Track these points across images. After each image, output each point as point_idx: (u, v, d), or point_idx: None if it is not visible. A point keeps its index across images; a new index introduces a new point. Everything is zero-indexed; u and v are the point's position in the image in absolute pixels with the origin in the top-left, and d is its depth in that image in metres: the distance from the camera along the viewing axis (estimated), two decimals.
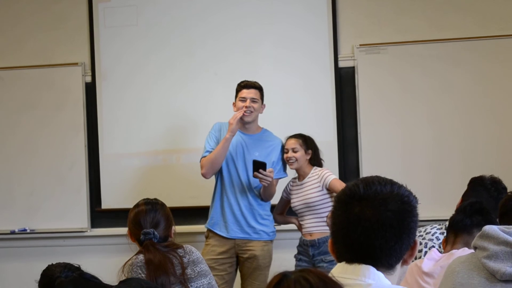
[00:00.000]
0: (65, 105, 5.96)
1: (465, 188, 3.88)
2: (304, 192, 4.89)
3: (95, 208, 5.93)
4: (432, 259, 2.98)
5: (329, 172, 4.89)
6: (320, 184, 4.83)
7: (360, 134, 5.65)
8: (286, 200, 5.11)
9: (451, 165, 5.54)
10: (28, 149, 5.99)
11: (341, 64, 5.73)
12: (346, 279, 1.77)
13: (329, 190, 4.84)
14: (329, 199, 4.86)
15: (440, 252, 3.09)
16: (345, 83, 5.72)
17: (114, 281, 2.73)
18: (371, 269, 1.78)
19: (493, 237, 2.38)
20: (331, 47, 5.70)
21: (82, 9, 6.01)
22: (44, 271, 2.60)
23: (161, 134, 5.85)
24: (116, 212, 5.70)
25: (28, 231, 5.94)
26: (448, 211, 3.22)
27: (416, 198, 1.86)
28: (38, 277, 2.62)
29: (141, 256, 3.28)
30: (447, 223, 3.21)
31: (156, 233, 3.33)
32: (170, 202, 3.84)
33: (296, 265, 4.89)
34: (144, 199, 3.52)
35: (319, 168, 4.93)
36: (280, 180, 5.04)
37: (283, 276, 1.47)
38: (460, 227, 3.03)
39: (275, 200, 5.12)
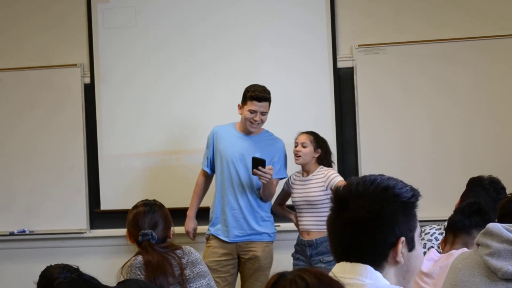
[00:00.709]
0: (64, 106, 5.96)
1: (464, 188, 3.88)
2: (307, 189, 4.88)
3: (94, 209, 5.93)
4: (431, 259, 2.98)
5: (336, 173, 4.89)
6: (325, 184, 4.83)
7: (359, 135, 5.65)
8: (286, 193, 5.11)
9: (451, 165, 5.54)
10: (27, 150, 5.99)
11: (340, 64, 5.73)
12: (344, 278, 1.78)
13: None
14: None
15: (439, 252, 3.09)
16: (344, 83, 5.72)
17: (113, 282, 2.73)
18: (368, 268, 1.81)
19: (497, 234, 2.39)
20: (329, 47, 5.70)
21: (81, 10, 6.01)
22: (42, 272, 2.60)
23: (160, 135, 5.85)
24: (115, 213, 5.70)
25: (27, 232, 5.94)
26: (447, 211, 3.22)
27: (412, 195, 1.87)
28: (37, 279, 2.62)
29: (139, 257, 3.28)
30: (445, 223, 3.21)
31: (154, 234, 3.33)
32: (169, 203, 3.84)
33: (294, 264, 4.90)
34: (142, 200, 3.53)
35: (326, 168, 4.93)
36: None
37: (280, 276, 1.49)
38: (459, 228, 3.04)
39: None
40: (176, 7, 5.89)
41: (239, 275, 5.04)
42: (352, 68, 5.71)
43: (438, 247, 3.41)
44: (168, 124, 5.85)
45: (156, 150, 5.85)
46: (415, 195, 1.88)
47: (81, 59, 6.00)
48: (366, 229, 1.83)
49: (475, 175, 3.87)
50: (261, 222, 4.94)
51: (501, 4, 5.63)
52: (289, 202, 5.15)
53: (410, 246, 1.86)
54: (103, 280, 2.57)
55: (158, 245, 3.32)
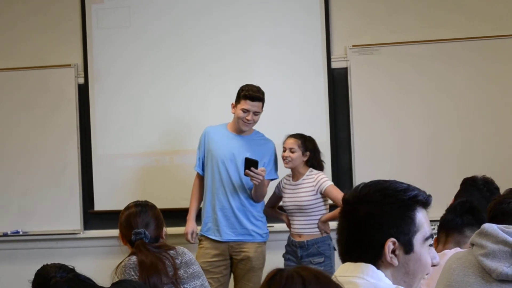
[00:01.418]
0: (58, 107, 5.96)
1: (459, 188, 3.89)
2: (297, 193, 4.90)
3: (88, 210, 5.92)
4: None
5: (325, 177, 4.90)
6: (315, 188, 4.84)
7: (353, 135, 5.66)
8: (277, 196, 5.13)
9: (446, 165, 5.55)
10: (20, 151, 5.98)
11: (334, 65, 5.74)
12: (346, 277, 1.83)
13: (324, 195, 4.85)
14: (322, 203, 4.88)
15: None
16: (338, 84, 5.73)
17: (107, 283, 2.73)
18: (370, 268, 1.84)
19: (492, 235, 2.38)
20: (324, 48, 5.71)
21: (75, 11, 6.01)
22: (38, 270, 2.61)
23: (154, 135, 5.85)
24: (109, 214, 5.69)
25: (21, 233, 5.93)
26: (442, 212, 3.22)
27: (409, 198, 1.89)
28: (31, 279, 2.62)
29: (133, 258, 3.28)
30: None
31: (147, 233, 3.34)
32: (163, 204, 3.85)
33: (284, 265, 4.90)
34: (134, 202, 3.54)
35: (315, 172, 4.93)
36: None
37: (277, 271, 1.51)
38: (451, 227, 3.04)
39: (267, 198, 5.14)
40: (170, 8, 5.89)
41: (232, 276, 5.04)
42: (346, 68, 5.72)
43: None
44: (162, 124, 5.85)
45: (150, 151, 5.85)
46: (415, 199, 1.89)
47: (75, 59, 6.00)
48: (360, 229, 1.88)
49: (471, 175, 3.88)
50: (254, 221, 4.94)
51: (496, 4, 5.64)
52: (281, 203, 5.15)
53: (407, 248, 1.86)
54: (98, 281, 2.57)
55: (151, 245, 3.33)
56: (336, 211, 4.76)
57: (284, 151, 4.93)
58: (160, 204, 3.59)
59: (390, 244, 1.85)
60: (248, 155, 4.81)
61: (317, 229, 4.86)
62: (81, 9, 5.98)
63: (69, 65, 5.97)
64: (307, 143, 4.94)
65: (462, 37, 5.59)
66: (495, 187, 3.75)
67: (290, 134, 4.98)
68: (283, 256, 4.99)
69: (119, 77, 5.93)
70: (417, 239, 1.88)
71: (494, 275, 2.33)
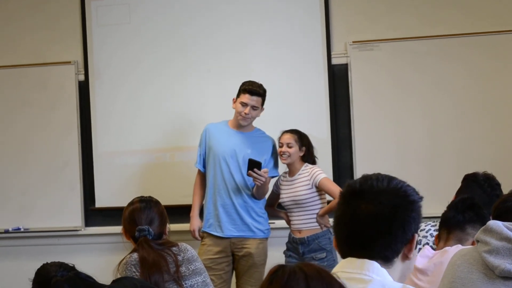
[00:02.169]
0: (58, 104, 5.95)
1: (459, 185, 3.89)
2: (293, 189, 4.91)
3: (89, 206, 5.92)
4: (425, 256, 2.98)
5: (319, 170, 4.91)
6: (310, 182, 4.85)
7: (354, 132, 5.65)
8: (276, 194, 5.13)
9: (446, 161, 5.55)
10: (21, 148, 5.98)
11: (334, 61, 5.74)
12: (350, 273, 1.81)
13: (319, 188, 4.86)
14: (318, 197, 4.88)
15: (434, 249, 3.10)
16: (338, 80, 5.72)
17: (108, 280, 2.73)
18: (375, 264, 1.82)
19: (496, 232, 2.39)
20: (324, 44, 5.70)
21: (75, 8, 6.00)
22: (38, 269, 2.61)
23: (155, 132, 5.85)
24: (110, 210, 5.69)
25: (22, 230, 5.93)
26: (443, 208, 3.22)
27: (418, 194, 1.90)
28: (32, 276, 2.62)
29: (135, 255, 3.28)
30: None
31: (151, 230, 3.34)
32: (164, 201, 3.83)
33: (286, 262, 4.90)
34: (138, 197, 3.53)
35: (310, 166, 4.94)
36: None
37: (280, 267, 1.51)
38: (453, 224, 3.04)
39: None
40: (170, 5, 5.89)
41: (234, 272, 5.05)
42: (346, 64, 5.71)
43: (434, 244, 3.42)
44: (162, 121, 5.85)
45: (151, 147, 5.85)
46: (419, 195, 1.91)
47: (75, 56, 5.99)
48: (387, 225, 1.84)
49: (470, 171, 3.88)
50: (256, 217, 4.95)
51: (494, 1, 5.64)
52: (280, 200, 5.15)
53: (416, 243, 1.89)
54: (99, 278, 2.57)
55: (154, 242, 3.32)
56: (333, 203, 4.77)
57: (281, 146, 4.93)
58: (161, 201, 3.59)
59: (415, 239, 1.87)
60: (249, 152, 4.83)
61: (316, 224, 4.86)
62: (81, 6, 5.97)
63: (69, 62, 5.97)
64: (302, 138, 4.96)
65: (462, 33, 5.59)
66: (496, 183, 3.75)
67: (285, 130, 4.99)
68: (284, 253, 5.00)
69: (119, 74, 5.92)
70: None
71: (497, 272, 2.34)
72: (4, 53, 6.08)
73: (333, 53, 5.74)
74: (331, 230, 4.82)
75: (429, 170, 5.55)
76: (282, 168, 5.09)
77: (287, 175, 5.02)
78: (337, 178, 5.31)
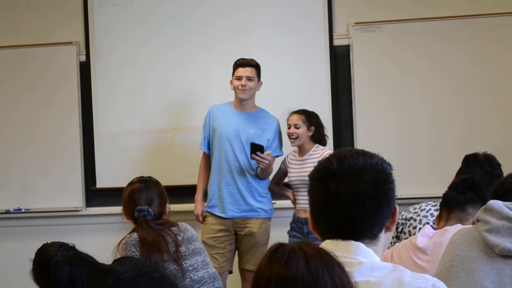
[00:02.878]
0: (59, 84, 5.94)
1: (460, 165, 3.89)
2: (303, 169, 4.88)
3: (90, 187, 5.92)
4: (426, 235, 2.99)
5: (331, 153, 4.89)
6: None
7: (355, 112, 5.64)
8: (283, 172, 5.12)
9: (447, 142, 5.55)
10: (22, 128, 5.97)
11: (336, 42, 5.72)
12: (337, 256, 1.76)
13: None
14: None
15: (434, 228, 3.10)
16: (340, 61, 5.71)
17: (109, 260, 2.74)
18: (361, 246, 1.77)
19: (496, 211, 2.41)
20: (326, 25, 5.68)
21: None
22: (39, 250, 2.62)
23: (156, 112, 5.84)
24: (111, 191, 5.69)
25: (23, 210, 5.94)
26: (444, 188, 3.22)
27: (390, 164, 1.85)
28: (32, 256, 2.63)
29: (135, 235, 3.29)
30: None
31: (150, 210, 3.34)
32: (165, 181, 3.84)
33: (289, 242, 4.90)
34: (138, 177, 3.53)
35: (322, 147, 4.94)
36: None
37: (279, 245, 1.50)
38: (453, 204, 3.04)
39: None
40: None
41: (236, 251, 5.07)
42: (348, 46, 5.70)
43: (434, 223, 3.42)
44: (164, 101, 5.84)
45: (152, 128, 5.84)
46: (390, 164, 1.86)
47: (77, 36, 5.97)
48: (373, 203, 1.78)
49: (472, 151, 3.88)
50: (259, 198, 4.97)
51: None
52: (285, 180, 5.15)
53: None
54: (99, 258, 2.58)
55: (153, 222, 3.33)
56: None
57: (289, 128, 4.93)
58: (162, 181, 3.59)
59: (397, 210, 1.84)
60: (252, 132, 4.85)
61: None
62: None
63: (70, 43, 5.95)
64: (311, 118, 4.95)
65: (464, 15, 5.56)
66: (496, 163, 3.75)
67: (293, 111, 4.98)
68: (288, 233, 5.00)
69: (120, 55, 5.90)
70: None
71: (497, 251, 2.36)
72: (5, 33, 6.06)
73: (335, 35, 5.72)
74: None
75: (430, 151, 5.55)
76: (288, 149, 5.08)
77: (296, 154, 5.01)
78: None
